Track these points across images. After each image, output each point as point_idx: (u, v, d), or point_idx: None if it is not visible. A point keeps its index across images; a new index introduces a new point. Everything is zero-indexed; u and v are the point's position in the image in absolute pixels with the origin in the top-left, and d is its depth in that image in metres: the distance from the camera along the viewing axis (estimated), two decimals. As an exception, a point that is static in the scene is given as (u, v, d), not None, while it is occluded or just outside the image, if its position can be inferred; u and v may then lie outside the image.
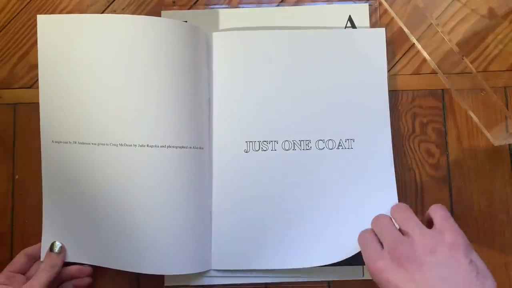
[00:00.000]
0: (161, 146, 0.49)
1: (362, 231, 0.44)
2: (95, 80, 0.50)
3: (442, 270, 0.38)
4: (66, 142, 0.50)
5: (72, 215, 0.50)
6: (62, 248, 0.49)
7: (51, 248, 0.48)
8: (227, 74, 0.53)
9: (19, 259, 0.48)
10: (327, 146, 0.52)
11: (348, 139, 0.52)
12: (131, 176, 0.49)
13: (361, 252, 0.43)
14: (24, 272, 0.48)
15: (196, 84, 0.52)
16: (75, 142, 0.50)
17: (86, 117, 0.50)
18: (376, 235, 0.43)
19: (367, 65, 0.53)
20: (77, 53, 0.50)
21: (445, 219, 0.41)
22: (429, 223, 0.42)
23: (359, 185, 0.51)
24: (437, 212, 0.41)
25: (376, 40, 0.54)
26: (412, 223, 0.42)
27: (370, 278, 0.51)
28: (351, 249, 0.48)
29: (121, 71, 0.49)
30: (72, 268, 0.50)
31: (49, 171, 0.50)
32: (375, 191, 0.51)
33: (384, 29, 0.54)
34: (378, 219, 0.44)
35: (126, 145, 0.49)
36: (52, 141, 0.50)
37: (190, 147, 0.50)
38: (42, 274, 0.46)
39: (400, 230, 0.42)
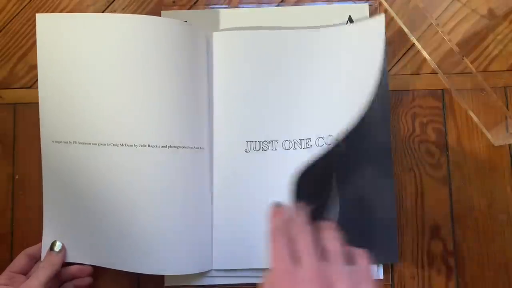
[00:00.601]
0: (162, 146, 0.49)
1: (276, 232, 0.39)
2: (95, 80, 0.49)
3: None
4: (67, 142, 0.50)
5: (72, 215, 0.50)
6: (62, 247, 0.49)
7: (52, 247, 0.48)
8: (227, 74, 0.53)
9: (20, 260, 0.48)
10: (326, 143, 0.52)
11: None
12: (131, 176, 0.49)
13: (270, 254, 0.38)
14: (25, 272, 0.48)
15: (197, 84, 0.52)
16: (76, 142, 0.49)
17: (87, 117, 0.50)
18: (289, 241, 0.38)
19: (366, 61, 0.53)
20: (77, 52, 0.50)
21: (367, 270, 0.38)
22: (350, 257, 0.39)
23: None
24: (363, 262, 0.38)
25: (375, 32, 0.53)
26: (336, 256, 0.37)
27: (370, 278, 0.51)
28: None
29: (121, 71, 0.49)
30: (73, 268, 0.50)
31: (49, 171, 0.50)
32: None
33: (383, 14, 0.52)
34: (303, 234, 0.38)
35: (127, 145, 0.49)
36: (52, 141, 0.50)
37: (191, 147, 0.50)
38: (40, 273, 0.46)
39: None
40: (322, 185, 0.50)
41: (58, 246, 0.48)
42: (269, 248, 0.38)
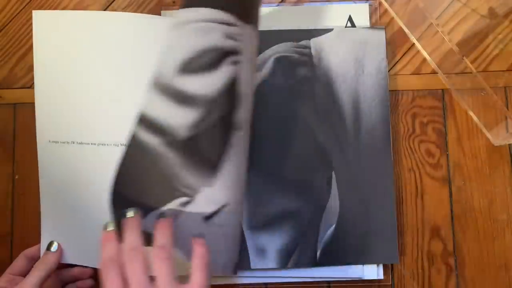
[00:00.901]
0: None
1: (106, 262, 0.39)
2: (93, 79, 0.49)
3: None
4: (64, 142, 0.49)
5: (70, 216, 0.49)
6: (58, 247, 0.48)
7: (48, 247, 0.48)
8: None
9: (19, 262, 0.48)
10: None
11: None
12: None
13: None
14: (25, 274, 0.47)
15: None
16: (73, 142, 0.49)
17: (84, 116, 0.49)
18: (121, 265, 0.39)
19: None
20: (74, 50, 0.49)
21: (199, 270, 0.39)
22: None
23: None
24: (196, 258, 0.39)
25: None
26: (165, 273, 0.38)
27: (370, 278, 0.51)
28: None
29: (119, 69, 0.49)
30: (75, 270, 0.49)
31: (46, 171, 0.49)
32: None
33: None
34: (132, 255, 0.39)
35: (126, 145, 0.49)
36: (49, 141, 0.49)
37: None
38: (33, 274, 0.45)
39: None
40: (148, 183, 0.45)
41: (54, 247, 0.48)
42: (102, 279, 0.38)
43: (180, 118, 0.41)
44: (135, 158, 0.41)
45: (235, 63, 0.41)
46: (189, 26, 0.39)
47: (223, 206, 0.44)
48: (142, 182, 0.42)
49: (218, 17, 0.40)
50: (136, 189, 0.42)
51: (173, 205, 0.43)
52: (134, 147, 0.41)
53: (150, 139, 0.41)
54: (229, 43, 0.41)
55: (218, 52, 0.40)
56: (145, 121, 0.41)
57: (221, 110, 0.42)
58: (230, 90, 0.42)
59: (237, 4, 0.41)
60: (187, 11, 0.40)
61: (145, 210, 0.42)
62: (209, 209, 0.43)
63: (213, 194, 0.43)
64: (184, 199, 0.43)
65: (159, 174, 0.42)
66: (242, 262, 0.51)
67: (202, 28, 0.39)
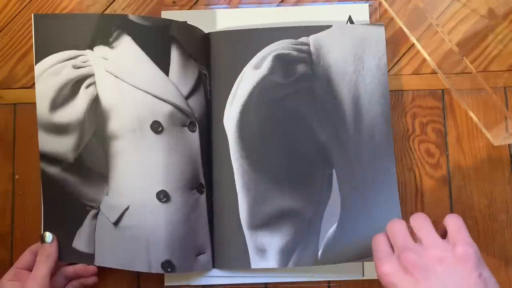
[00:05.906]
0: None
1: (376, 234, 0.43)
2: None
3: (449, 281, 0.37)
4: None
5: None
6: (53, 237, 0.48)
7: (43, 240, 0.48)
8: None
9: (25, 256, 0.48)
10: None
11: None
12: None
13: (373, 254, 0.42)
14: (31, 269, 0.48)
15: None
16: None
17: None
18: (388, 238, 0.42)
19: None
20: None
21: (459, 231, 0.40)
22: (445, 233, 0.41)
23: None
24: (452, 223, 0.41)
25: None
26: (426, 232, 0.40)
27: (370, 278, 0.51)
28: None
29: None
30: (78, 266, 0.50)
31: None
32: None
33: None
34: (393, 223, 0.42)
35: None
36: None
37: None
38: (40, 266, 0.46)
39: (415, 237, 0.41)
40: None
41: (48, 237, 0.48)
42: None
43: (63, 145, 0.49)
44: (51, 187, 0.49)
45: (90, 84, 0.49)
46: (44, 74, 0.49)
47: (125, 210, 0.49)
48: (62, 206, 0.49)
49: (63, 56, 0.49)
50: (60, 212, 0.49)
51: (88, 219, 0.49)
52: (46, 179, 0.49)
53: (52, 169, 0.49)
54: (79, 72, 0.49)
55: (71, 83, 0.49)
56: (43, 156, 0.49)
57: (91, 127, 0.49)
58: (94, 109, 0.49)
59: (79, 38, 0.50)
60: (39, 64, 0.49)
61: (73, 228, 0.49)
62: (114, 215, 0.49)
63: (111, 201, 0.49)
64: (93, 211, 0.49)
65: (69, 196, 0.49)
66: (242, 262, 0.51)
67: (52, 71, 0.49)
